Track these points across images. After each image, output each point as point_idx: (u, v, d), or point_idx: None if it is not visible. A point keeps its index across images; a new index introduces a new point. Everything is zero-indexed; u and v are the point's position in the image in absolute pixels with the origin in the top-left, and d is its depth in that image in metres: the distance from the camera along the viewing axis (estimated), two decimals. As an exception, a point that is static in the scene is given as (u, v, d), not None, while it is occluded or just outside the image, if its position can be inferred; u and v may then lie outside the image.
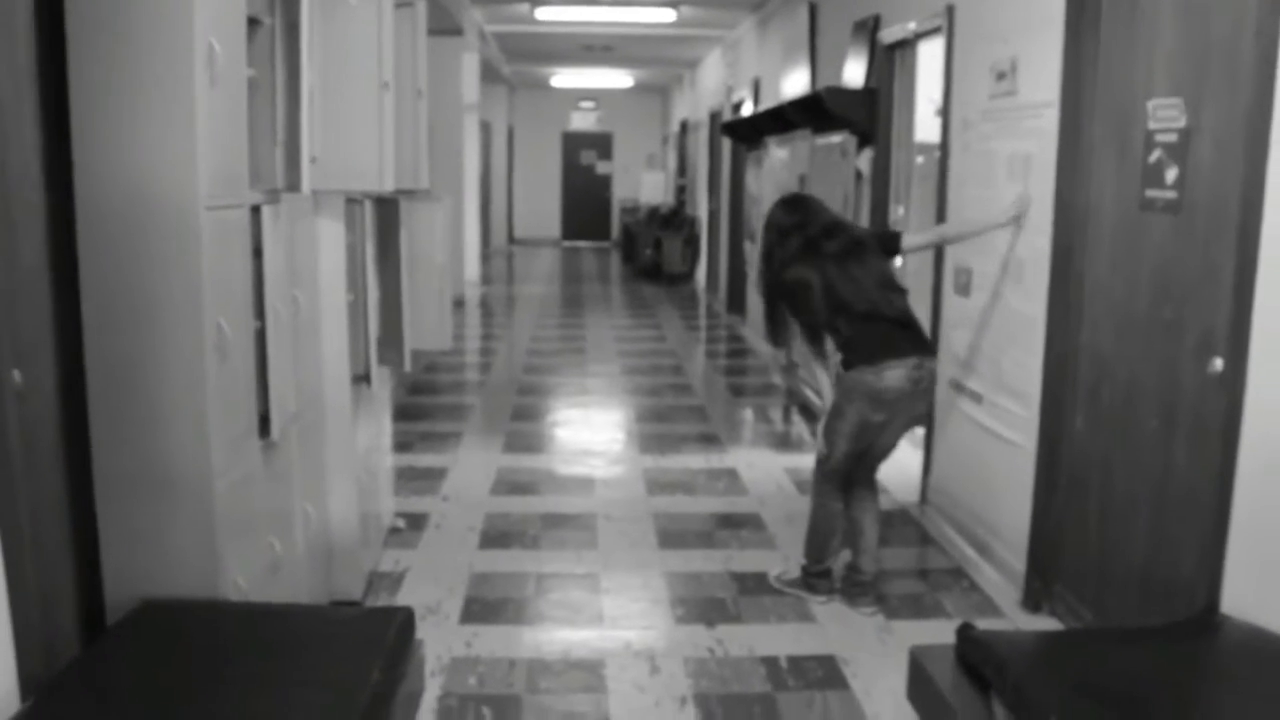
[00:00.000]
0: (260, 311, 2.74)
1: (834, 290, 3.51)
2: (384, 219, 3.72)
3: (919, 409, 3.65)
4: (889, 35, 5.24)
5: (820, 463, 3.68)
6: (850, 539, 3.71)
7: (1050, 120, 3.45)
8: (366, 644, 2.35)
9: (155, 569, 2.48)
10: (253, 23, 2.80)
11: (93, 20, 2.33)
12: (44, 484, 2.37)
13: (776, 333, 3.86)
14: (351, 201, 3.44)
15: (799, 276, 3.57)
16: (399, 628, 2.45)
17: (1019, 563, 3.66)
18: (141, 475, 2.45)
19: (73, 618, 2.48)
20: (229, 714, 2.04)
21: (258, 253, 2.73)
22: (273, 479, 2.90)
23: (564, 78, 17.47)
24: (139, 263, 2.39)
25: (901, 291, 3.63)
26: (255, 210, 2.71)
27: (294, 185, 2.99)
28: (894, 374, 3.44)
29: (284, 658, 2.27)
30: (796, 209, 3.74)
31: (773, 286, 3.70)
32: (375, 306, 3.69)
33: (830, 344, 3.64)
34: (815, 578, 3.73)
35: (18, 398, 2.21)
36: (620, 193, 19.33)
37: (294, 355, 3.02)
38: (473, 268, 11.82)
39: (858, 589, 3.68)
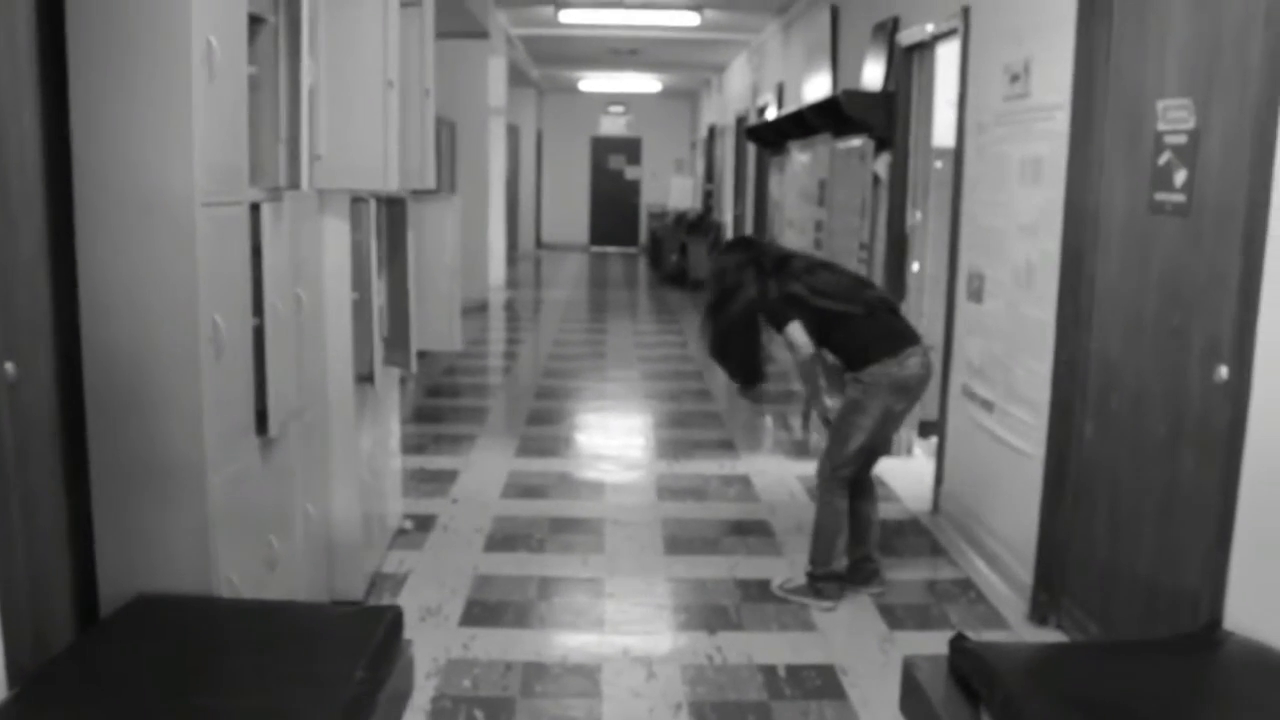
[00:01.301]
0: (259, 308, 2.74)
1: (820, 299, 3.60)
2: (392, 218, 3.72)
3: (924, 393, 3.76)
4: (907, 37, 5.19)
5: (831, 467, 3.67)
6: (858, 534, 3.76)
7: (1061, 122, 3.39)
8: (353, 642, 2.34)
9: (149, 563, 2.49)
10: (257, 21, 2.81)
11: (92, 17, 2.35)
12: (38, 476, 2.38)
13: (736, 373, 3.90)
14: (358, 200, 3.45)
15: (787, 291, 3.64)
16: (387, 627, 2.44)
17: (1026, 574, 3.59)
18: (136, 468, 2.47)
19: (67, 611, 2.50)
20: (211, 708, 2.04)
21: (258, 250, 2.73)
22: (272, 477, 2.90)
23: (592, 82, 17.49)
24: (136, 257, 2.41)
25: (875, 286, 3.75)
26: (255, 207, 2.72)
27: (296, 183, 3.00)
28: (914, 361, 3.58)
29: (269, 654, 2.27)
30: (747, 247, 3.94)
31: (749, 315, 3.70)
32: (382, 306, 3.69)
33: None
34: (822, 581, 3.70)
35: (10, 390, 2.23)
36: (648, 198, 19.25)
37: (296, 353, 3.02)
38: (498, 271, 11.84)
39: (870, 574, 3.78)
